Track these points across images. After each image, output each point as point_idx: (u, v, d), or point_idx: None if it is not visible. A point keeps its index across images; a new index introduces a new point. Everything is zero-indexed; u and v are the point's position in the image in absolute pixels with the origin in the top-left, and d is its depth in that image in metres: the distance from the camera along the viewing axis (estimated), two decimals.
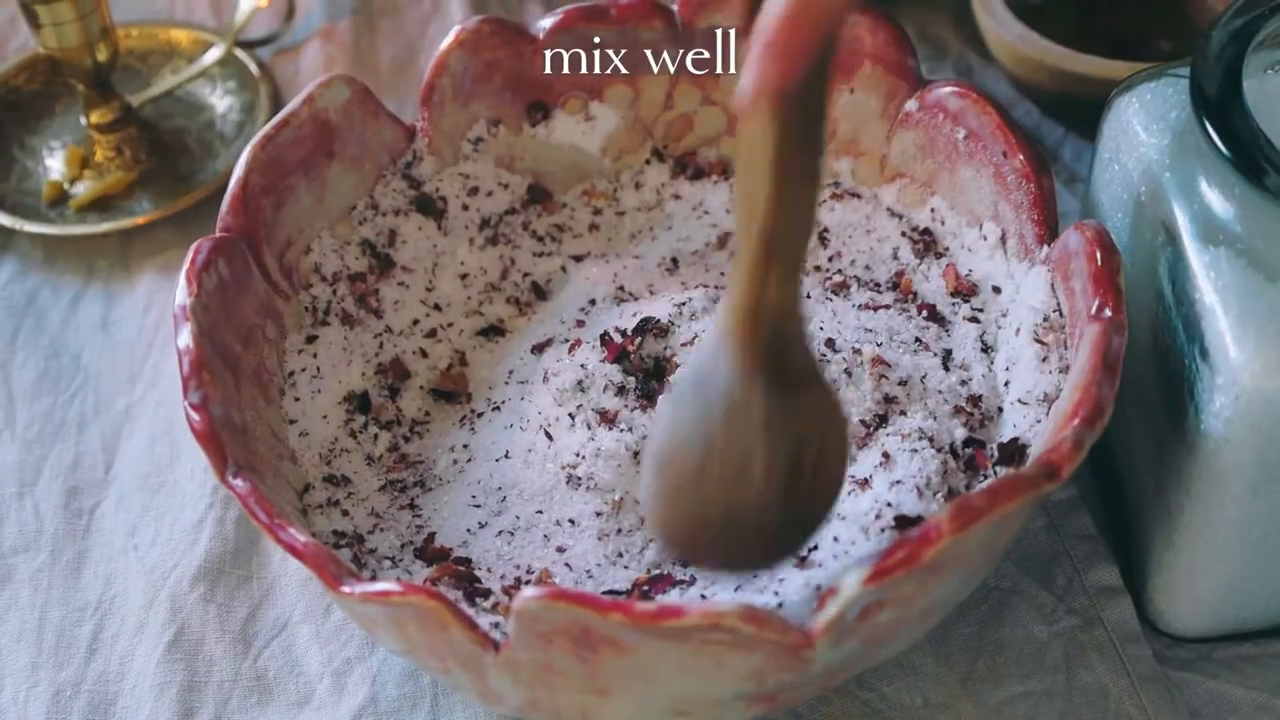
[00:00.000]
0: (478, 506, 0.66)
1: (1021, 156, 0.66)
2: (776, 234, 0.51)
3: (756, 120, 0.50)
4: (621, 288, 0.73)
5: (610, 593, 0.62)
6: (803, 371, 0.54)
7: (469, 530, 0.65)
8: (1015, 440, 0.62)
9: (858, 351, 0.66)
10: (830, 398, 0.55)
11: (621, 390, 0.67)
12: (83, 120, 0.87)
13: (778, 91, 0.49)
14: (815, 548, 0.61)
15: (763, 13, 0.49)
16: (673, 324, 0.68)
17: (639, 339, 0.68)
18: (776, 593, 0.59)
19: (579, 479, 0.65)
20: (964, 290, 0.69)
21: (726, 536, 0.55)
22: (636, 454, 0.64)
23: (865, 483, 0.62)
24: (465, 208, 0.73)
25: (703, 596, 0.61)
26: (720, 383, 0.53)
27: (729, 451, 0.53)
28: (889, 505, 0.61)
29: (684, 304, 0.69)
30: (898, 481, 0.61)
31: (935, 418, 0.64)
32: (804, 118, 0.50)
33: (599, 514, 0.64)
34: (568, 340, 0.69)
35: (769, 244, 0.51)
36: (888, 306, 0.69)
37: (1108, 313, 0.58)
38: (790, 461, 0.53)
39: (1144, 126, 0.64)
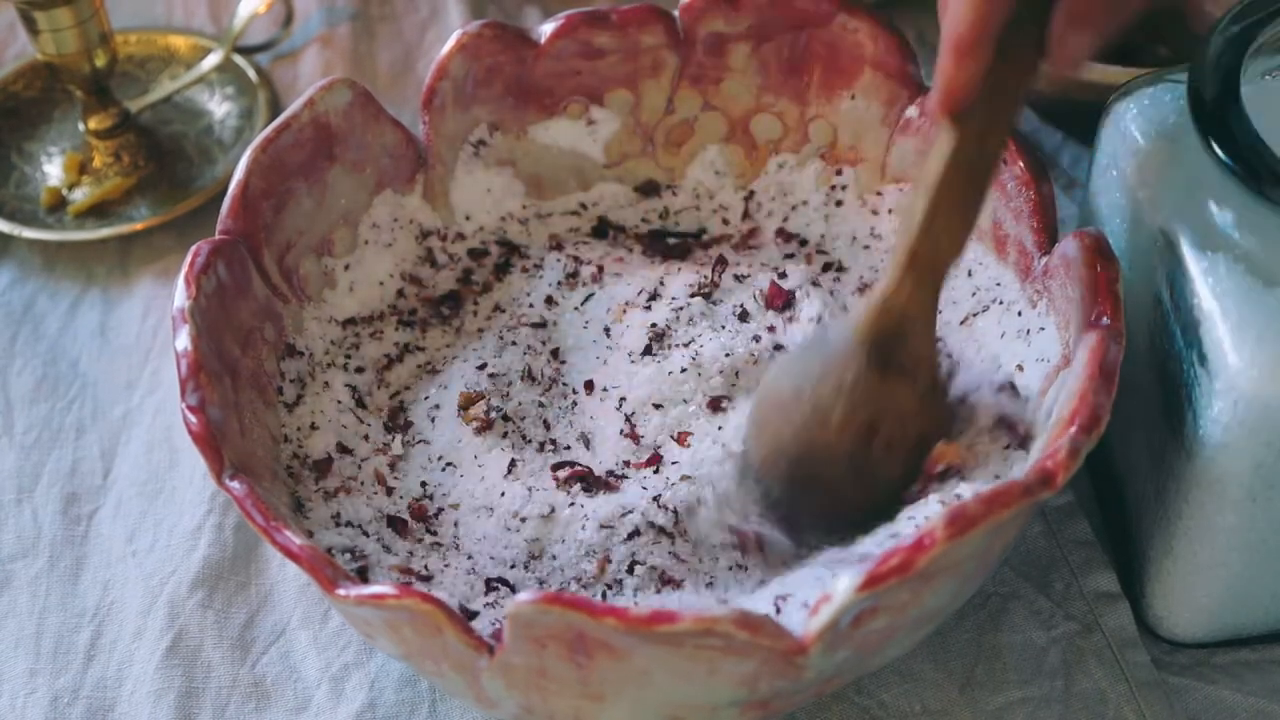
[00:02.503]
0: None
1: (1021, 164, 0.66)
2: (922, 250, 0.60)
3: (940, 129, 0.59)
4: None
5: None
6: (909, 367, 0.61)
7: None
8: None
9: None
10: (928, 400, 0.62)
11: None
12: (81, 126, 0.87)
13: (956, 99, 0.58)
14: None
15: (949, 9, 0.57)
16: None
17: None
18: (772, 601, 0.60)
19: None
20: None
21: (798, 473, 0.62)
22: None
23: None
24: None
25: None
26: (834, 345, 0.61)
27: (818, 397, 0.61)
28: None
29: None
30: None
31: None
32: (980, 142, 0.59)
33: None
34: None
35: (913, 256, 0.60)
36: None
37: (1105, 321, 0.58)
38: (864, 430, 0.60)
39: (1142, 132, 0.64)
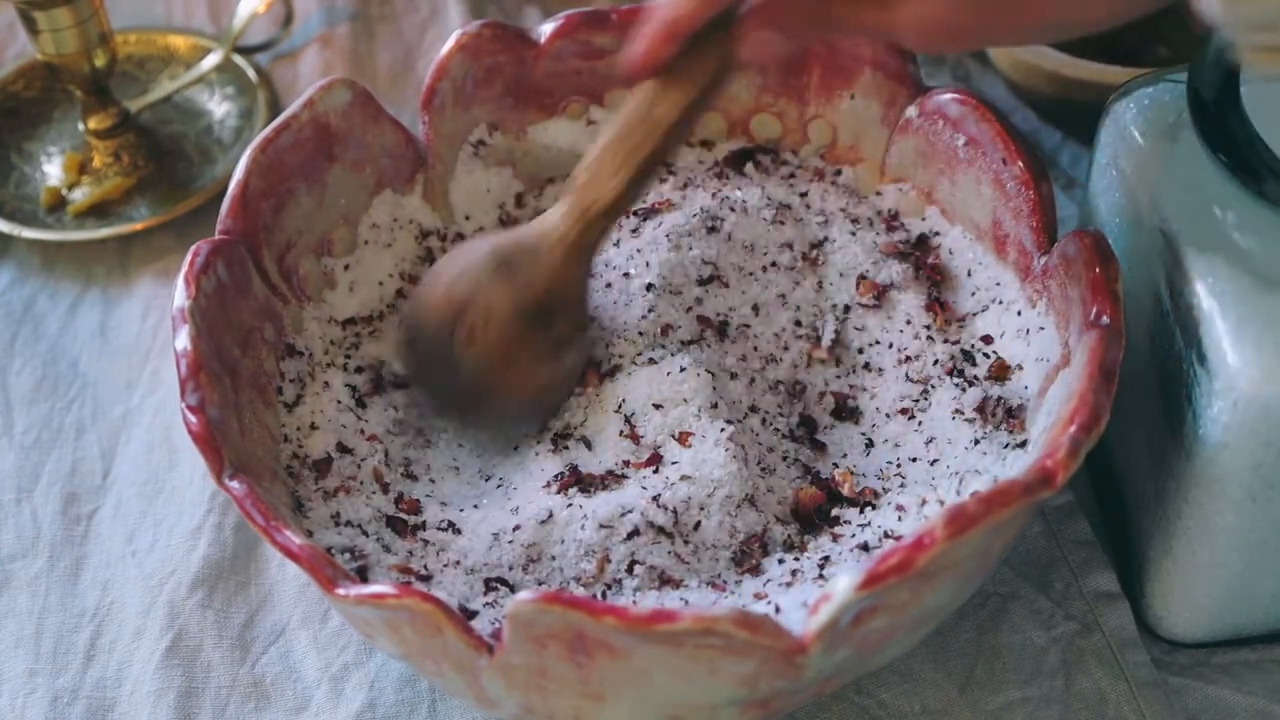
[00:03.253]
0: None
1: (1021, 163, 0.66)
2: (590, 191, 0.65)
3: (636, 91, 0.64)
4: None
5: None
6: (560, 339, 0.66)
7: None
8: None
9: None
10: (567, 369, 0.67)
11: None
12: (81, 126, 0.87)
13: (653, 68, 0.63)
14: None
15: None
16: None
17: None
18: (770, 600, 0.60)
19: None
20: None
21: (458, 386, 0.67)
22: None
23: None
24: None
25: (685, 601, 0.61)
26: (503, 309, 0.65)
27: (486, 340, 0.66)
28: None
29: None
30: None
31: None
32: (670, 105, 0.63)
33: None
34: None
35: (582, 195, 0.65)
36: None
37: (1105, 320, 0.58)
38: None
39: (1141, 132, 0.64)
